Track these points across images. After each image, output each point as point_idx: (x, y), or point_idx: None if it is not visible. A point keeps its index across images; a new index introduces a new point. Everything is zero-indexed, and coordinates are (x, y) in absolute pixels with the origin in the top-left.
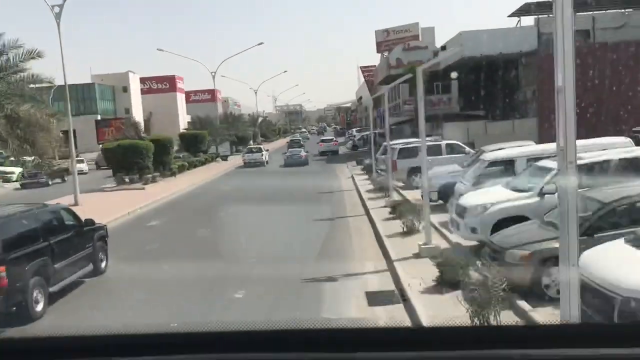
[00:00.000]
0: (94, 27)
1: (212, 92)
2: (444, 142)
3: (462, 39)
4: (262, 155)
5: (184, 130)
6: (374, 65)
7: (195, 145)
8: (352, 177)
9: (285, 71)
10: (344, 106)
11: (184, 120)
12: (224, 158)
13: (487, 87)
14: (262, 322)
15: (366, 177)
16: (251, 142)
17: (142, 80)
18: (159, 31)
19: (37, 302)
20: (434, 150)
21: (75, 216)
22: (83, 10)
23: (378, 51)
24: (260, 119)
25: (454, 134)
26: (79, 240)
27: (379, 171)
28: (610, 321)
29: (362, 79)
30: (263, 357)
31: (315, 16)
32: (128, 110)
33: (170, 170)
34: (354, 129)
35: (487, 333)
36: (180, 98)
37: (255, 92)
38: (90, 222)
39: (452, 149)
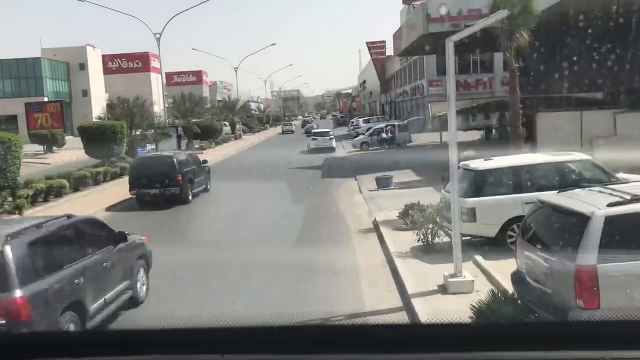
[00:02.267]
0: None
1: (197, 74)
2: None
3: None
4: (293, 126)
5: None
6: (383, 42)
7: (105, 144)
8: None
9: (274, 44)
10: (344, 92)
11: (159, 105)
12: None
13: (609, 50)
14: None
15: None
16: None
17: (110, 58)
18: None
19: None
20: None
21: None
22: None
23: (404, 1)
24: (239, 105)
25: (551, 134)
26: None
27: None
28: None
29: (364, 62)
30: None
31: None
32: (86, 92)
33: None
34: (360, 118)
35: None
36: (156, 78)
37: (236, 70)
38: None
39: None
